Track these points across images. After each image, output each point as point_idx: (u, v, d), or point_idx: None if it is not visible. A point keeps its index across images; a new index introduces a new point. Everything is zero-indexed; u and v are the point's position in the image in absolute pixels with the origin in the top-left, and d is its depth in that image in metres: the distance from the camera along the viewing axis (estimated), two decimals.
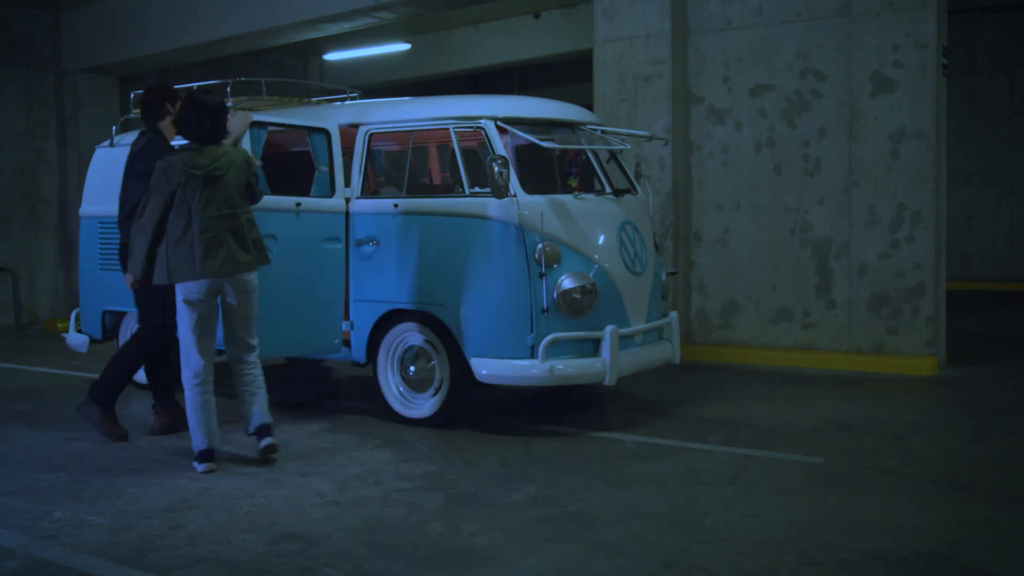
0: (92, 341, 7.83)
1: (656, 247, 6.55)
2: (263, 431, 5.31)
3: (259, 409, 5.32)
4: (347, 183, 6.40)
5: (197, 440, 5.20)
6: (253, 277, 5.26)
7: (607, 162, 6.65)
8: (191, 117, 5.15)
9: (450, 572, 3.68)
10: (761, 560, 3.71)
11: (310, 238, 6.18)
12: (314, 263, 6.18)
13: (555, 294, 5.63)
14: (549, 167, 6.90)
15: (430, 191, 7.08)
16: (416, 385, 6.17)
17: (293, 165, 7.04)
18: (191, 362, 5.19)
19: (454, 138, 6.01)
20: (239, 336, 5.29)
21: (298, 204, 6.08)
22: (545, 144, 5.86)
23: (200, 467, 5.15)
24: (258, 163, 6.56)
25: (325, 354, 6.58)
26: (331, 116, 6.63)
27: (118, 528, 4.24)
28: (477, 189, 5.87)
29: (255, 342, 5.35)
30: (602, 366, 5.67)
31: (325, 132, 6.38)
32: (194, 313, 5.13)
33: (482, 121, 5.91)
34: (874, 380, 7.45)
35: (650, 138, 7.15)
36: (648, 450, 5.44)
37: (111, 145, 7.90)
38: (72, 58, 12.98)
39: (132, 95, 7.86)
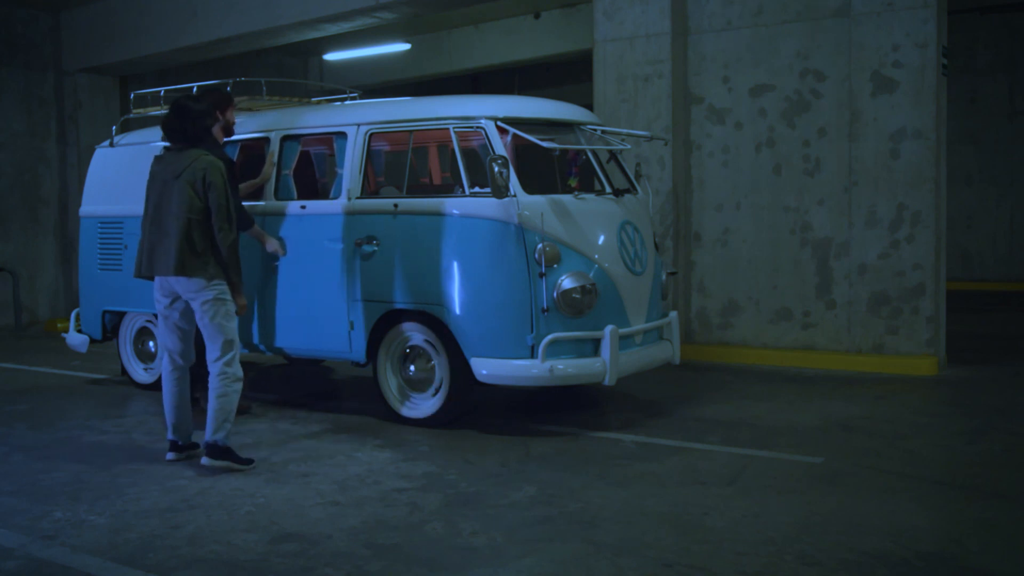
0: (92, 341, 7.84)
1: (656, 247, 6.55)
2: (206, 448, 5.24)
3: (207, 423, 5.22)
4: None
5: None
6: (205, 286, 5.14)
7: (607, 162, 6.65)
8: (171, 120, 5.27)
9: (450, 572, 3.68)
10: (761, 560, 3.71)
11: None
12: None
13: (555, 294, 5.63)
14: (549, 167, 6.90)
15: (430, 191, 7.08)
16: (416, 385, 6.17)
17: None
18: (163, 355, 5.45)
19: (454, 138, 6.00)
20: (204, 342, 5.27)
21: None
22: (545, 144, 5.85)
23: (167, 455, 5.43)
24: (286, 172, 6.62)
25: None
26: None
27: (118, 528, 4.24)
28: (477, 189, 5.86)
29: (214, 353, 5.19)
30: (602, 366, 5.67)
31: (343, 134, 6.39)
32: (158, 311, 5.37)
33: (482, 121, 5.91)
34: (874, 380, 7.45)
35: (650, 138, 7.15)
36: (648, 450, 5.44)
37: (111, 145, 7.91)
38: (72, 58, 12.98)
39: (132, 95, 7.87)
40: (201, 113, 5.30)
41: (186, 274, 5.10)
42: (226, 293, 5.22)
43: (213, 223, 5.12)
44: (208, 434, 5.19)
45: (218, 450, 5.18)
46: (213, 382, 5.20)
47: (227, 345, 5.20)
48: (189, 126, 5.24)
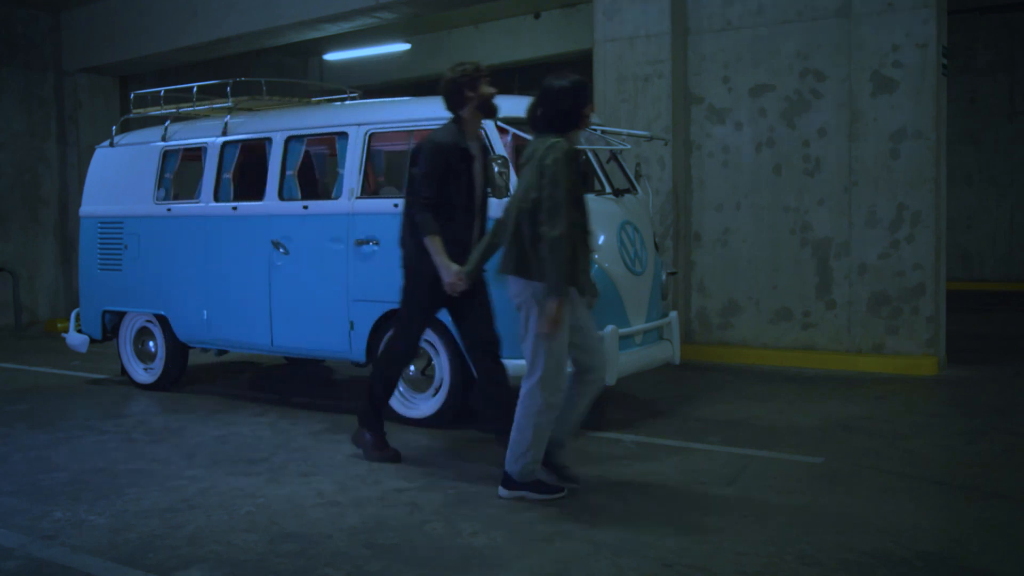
0: (92, 341, 7.84)
1: (656, 247, 6.55)
2: (503, 478, 4.58)
3: (508, 451, 4.56)
4: None
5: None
6: (524, 288, 4.41)
7: (607, 162, 6.65)
8: (534, 104, 4.60)
9: (450, 572, 3.68)
10: (761, 560, 3.71)
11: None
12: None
13: None
14: None
15: None
16: (416, 385, 6.16)
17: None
18: None
19: None
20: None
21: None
22: None
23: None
24: (290, 172, 6.54)
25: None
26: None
27: (118, 528, 4.24)
28: None
29: (528, 370, 4.45)
30: None
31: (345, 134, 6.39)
32: None
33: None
34: (874, 380, 7.45)
35: (650, 138, 7.15)
36: (648, 450, 5.44)
37: (111, 145, 7.92)
38: (72, 58, 12.98)
39: (132, 95, 7.87)
40: (554, 94, 4.54)
41: (509, 271, 4.45)
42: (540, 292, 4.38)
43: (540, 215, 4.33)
44: (506, 463, 4.53)
45: (514, 483, 4.52)
46: (519, 404, 4.47)
47: (544, 364, 4.39)
48: (539, 108, 4.56)
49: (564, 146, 4.40)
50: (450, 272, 4.89)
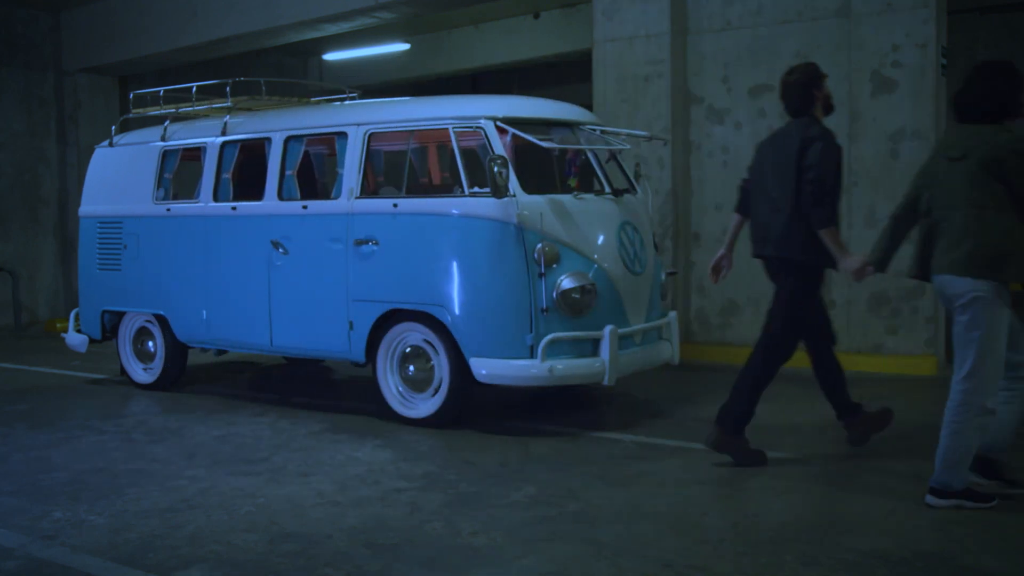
0: (91, 341, 7.84)
1: (656, 247, 6.55)
2: (931, 489, 4.31)
3: (936, 460, 4.31)
4: None
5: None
6: (957, 285, 4.16)
7: (607, 162, 6.65)
8: (965, 91, 4.27)
9: (450, 572, 3.68)
10: (761, 560, 3.71)
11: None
12: None
13: (555, 294, 5.63)
14: (549, 167, 6.90)
15: (430, 191, 7.09)
16: (416, 385, 6.16)
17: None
18: None
19: (454, 138, 6.01)
20: None
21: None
22: (545, 144, 5.86)
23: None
24: (289, 172, 6.55)
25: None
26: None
27: (118, 528, 4.24)
28: (477, 189, 5.87)
29: (958, 370, 4.25)
30: (601, 366, 5.67)
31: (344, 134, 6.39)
32: None
33: (482, 121, 5.91)
34: (874, 380, 7.44)
35: (650, 138, 7.15)
36: (648, 450, 5.44)
37: (111, 145, 7.92)
38: (72, 58, 12.98)
39: (132, 95, 7.87)
40: (990, 72, 4.19)
41: (948, 271, 4.18)
42: (991, 291, 4.09)
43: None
44: (938, 473, 4.27)
45: (950, 492, 4.25)
46: (952, 409, 4.27)
47: (981, 365, 4.15)
48: (963, 93, 4.23)
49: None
50: (854, 260, 4.90)
